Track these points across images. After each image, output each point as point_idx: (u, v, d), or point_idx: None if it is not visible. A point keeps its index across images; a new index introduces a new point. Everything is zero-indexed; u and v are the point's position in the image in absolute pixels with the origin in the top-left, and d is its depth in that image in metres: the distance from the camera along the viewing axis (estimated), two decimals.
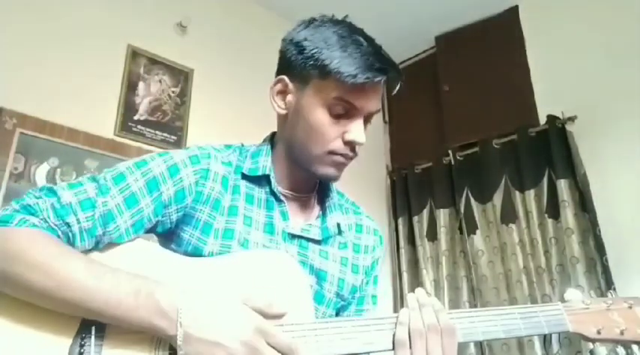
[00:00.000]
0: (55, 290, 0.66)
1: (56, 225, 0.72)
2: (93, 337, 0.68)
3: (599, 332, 0.79)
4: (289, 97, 0.86)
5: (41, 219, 0.71)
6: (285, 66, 0.87)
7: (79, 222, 0.73)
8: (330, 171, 0.86)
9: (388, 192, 3.10)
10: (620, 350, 0.85)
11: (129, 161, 0.82)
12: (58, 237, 0.72)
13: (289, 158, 0.89)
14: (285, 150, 0.90)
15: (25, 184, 1.77)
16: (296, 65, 0.84)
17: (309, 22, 0.86)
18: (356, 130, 0.83)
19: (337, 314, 0.94)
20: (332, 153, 0.83)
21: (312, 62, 0.81)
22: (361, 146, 0.85)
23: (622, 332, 0.78)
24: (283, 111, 0.88)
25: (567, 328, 0.79)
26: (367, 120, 0.86)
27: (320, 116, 0.82)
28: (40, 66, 1.91)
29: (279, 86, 0.88)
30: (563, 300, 0.84)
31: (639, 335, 0.79)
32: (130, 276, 0.70)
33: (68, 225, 0.72)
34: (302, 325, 0.73)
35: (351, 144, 0.84)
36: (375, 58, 0.80)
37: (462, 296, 2.55)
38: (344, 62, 0.78)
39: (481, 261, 2.51)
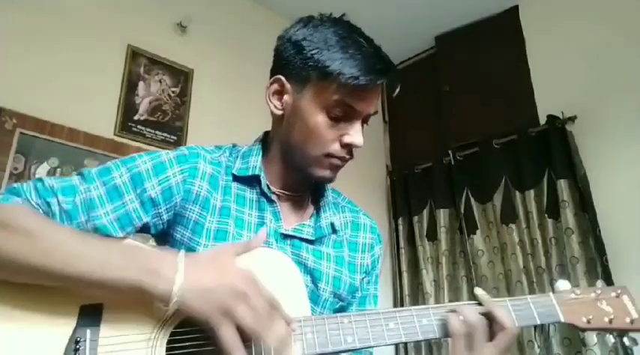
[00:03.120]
0: (38, 256, 0.65)
1: (37, 204, 0.73)
2: (88, 341, 0.67)
3: (588, 322, 0.80)
4: (286, 98, 0.84)
5: (24, 199, 0.73)
6: (282, 65, 0.85)
7: (59, 203, 0.74)
8: (326, 173, 0.85)
9: (388, 192, 3.10)
10: (611, 339, 0.85)
11: (117, 159, 0.83)
12: None
13: (284, 159, 0.88)
14: (279, 151, 0.89)
15: None
16: (294, 65, 0.82)
17: (308, 21, 0.84)
18: (354, 133, 0.82)
19: None
20: (329, 155, 0.82)
21: (311, 63, 0.79)
22: (358, 148, 0.84)
23: (610, 321, 0.80)
24: (279, 112, 0.85)
25: (559, 318, 0.80)
26: (364, 121, 0.85)
27: (318, 118, 0.80)
28: (40, 66, 1.91)
29: (275, 86, 0.85)
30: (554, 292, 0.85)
31: (626, 324, 0.80)
32: (117, 242, 0.71)
33: (49, 204, 0.73)
34: (299, 320, 0.72)
35: (348, 147, 0.83)
36: (376, 59, 0.79)
37: (462, 297, 2.54)
38: (346, 64, 0.76)
39: (481, 261, 2.51)
